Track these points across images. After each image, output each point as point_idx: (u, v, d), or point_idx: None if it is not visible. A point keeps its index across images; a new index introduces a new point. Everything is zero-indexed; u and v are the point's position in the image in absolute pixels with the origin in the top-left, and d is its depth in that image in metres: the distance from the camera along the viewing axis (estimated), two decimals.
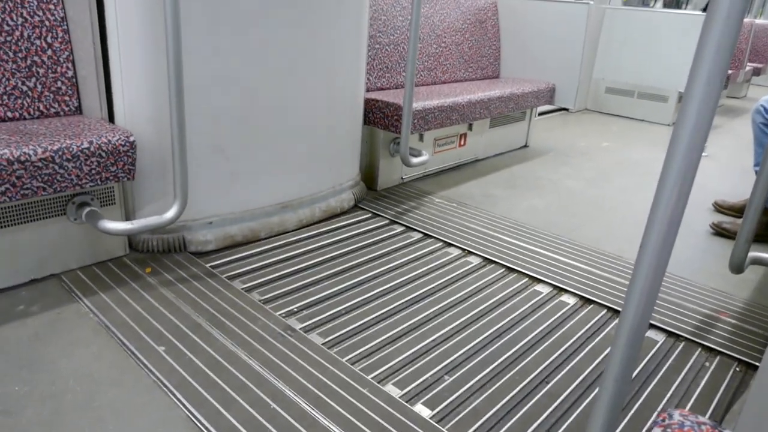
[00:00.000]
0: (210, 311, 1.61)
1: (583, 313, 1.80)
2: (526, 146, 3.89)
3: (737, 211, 2.79)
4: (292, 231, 2.20)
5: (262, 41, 1.90)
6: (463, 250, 2.16)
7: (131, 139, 1.58)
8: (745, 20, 5.89)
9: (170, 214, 1.66)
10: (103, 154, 1.53)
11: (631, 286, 0.78)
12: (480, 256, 2.12)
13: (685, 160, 0.71)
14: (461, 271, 2.00)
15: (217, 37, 1.79)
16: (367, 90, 2.78)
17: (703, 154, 4.02)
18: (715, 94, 0.67)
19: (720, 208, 2.87)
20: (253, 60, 1.91)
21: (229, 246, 2.01)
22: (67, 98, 1.71)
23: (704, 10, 6.64)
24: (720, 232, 2.55)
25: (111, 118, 1.77)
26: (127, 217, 1.83)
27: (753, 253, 1.83)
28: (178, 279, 1.76)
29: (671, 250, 0.77)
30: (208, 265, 1.86)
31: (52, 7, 1.65)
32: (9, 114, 1.62)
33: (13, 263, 1.61)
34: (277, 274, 1.87)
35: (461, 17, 3.43)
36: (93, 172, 1.53)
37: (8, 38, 1.59)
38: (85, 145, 1.51)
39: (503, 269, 2.04)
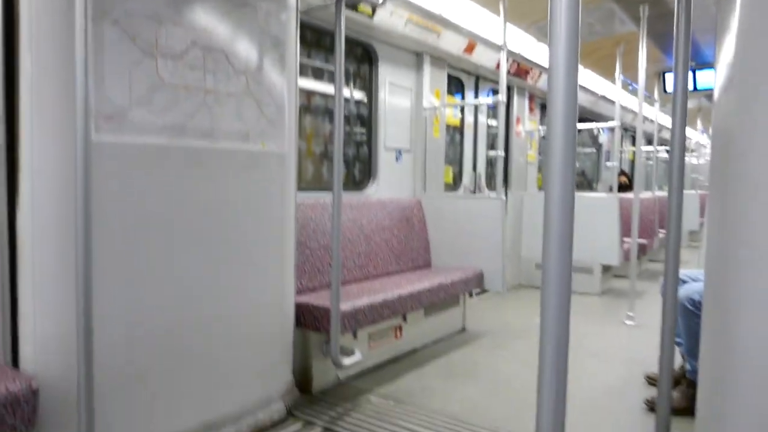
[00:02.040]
0: None
1: None
2: (463, 330, 3.98)
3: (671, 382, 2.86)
4: None
5: (181, 267, 2.01)
6: None
7: (34, 386, 1.54)
8: (649, 195, 6.62)
9: None
10: (1, 408, 1.48)
11: None
12: None
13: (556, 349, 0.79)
14: None
15: (133, 270, 1.87)
16: (300, 292, 2.88)
17: (630, 323, 4.20)
18: (566, 263, 0.78)
19: (653, 380, 2.93)
20: (174, 285, 1.99)
21: None
22: None
23: (610, 190, 7.43)
24: (655, 408, 2.58)
25: (15, 358, 1.74)
26: None
27: None
28: None
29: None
30: None
31: None
32: None
33: None
34: None
35: (387, 216, 3.72)
36: None
37: None
38: None
39: None
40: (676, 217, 1.71)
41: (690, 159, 10.72)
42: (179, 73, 1.95)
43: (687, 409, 2.47)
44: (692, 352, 2.48)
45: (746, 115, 0.90)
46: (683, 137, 1.76)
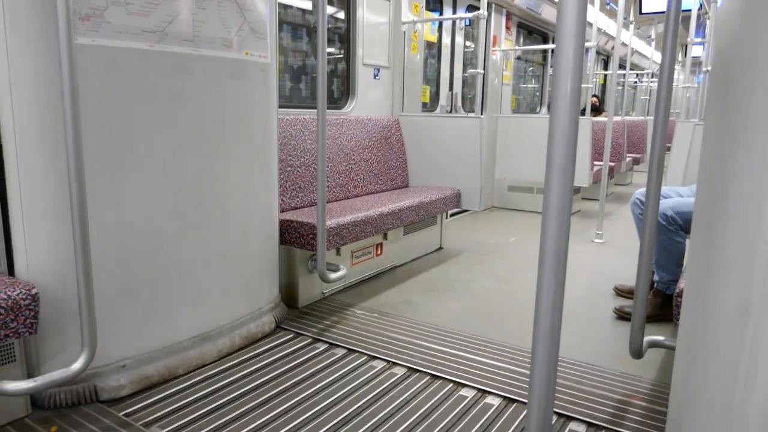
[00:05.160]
0: None
1: (507, 413, 1.85)
2: (440, 248, 4.08)
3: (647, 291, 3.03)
4: (212, 363, 2.14)
5: (169, 177, 1.96)
6: (388, 362, 2.19)
7: (33, 292, 1.54)
8: (618, 119, 6.71)
9: (78, 365, 1.59)
10: (2, 311, 1.47)
11: (531, 377, 0.85)
12: (404, 366, 2.15)
13: (557, 245, 0.83)
14: (386, 385, 2.01)
15: (122, 180, 1.83)
16: (282, 210, 2.87)
17: (598, 240, 4.38)
18: (568, 183, 0.80)
19: (620, 292, 3.10)
20: (162, 198, 1.95)
21: (145, 388, 1.93)
22: None
23: (582, 113, 7.49)
24: (622, 316, 2.74)
25: (11, 270, 1.72)
26: (30, 374, 1.72)
27: (649, 337, 1.99)
28: None
29: (559, 335, 0.87)
30: (121, 414, 1.76)
31: None
32: None
33: None
34: (198, 413, 1.79)
35: (367, 135, 3.68)
36: None
37: None
38: None
39: (428, 377, 2.08)
40: (661, 138, 1.75)
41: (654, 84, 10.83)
42: None
43: (654, 316, 2.64)
44: (661, 263, 2.62)
45: (749, 44, 0.89)
46: (673, 62, 1.77)
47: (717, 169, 1.01)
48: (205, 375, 2.05)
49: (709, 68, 4.95)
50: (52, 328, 1.73)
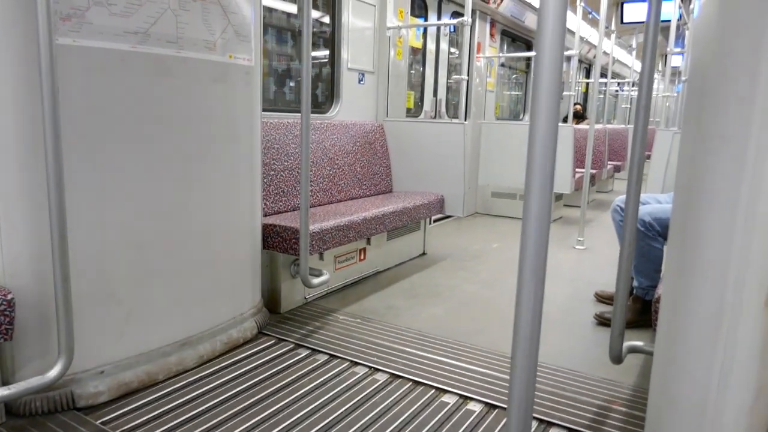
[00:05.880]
0: None
1: (488, 420, 1.85)
2: (424, 254, 4.08)
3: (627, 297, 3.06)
4: (193, 369, 2.12)
5: (151, 179, 1.94)
6: (370, 368, 2.18)
7: (9, 297, 1.51)
8: (599, 126, 6.80)
9: (54, 372, 1.56)
10: None
11: (511, 383, 0.86)
12: (386, 372, 2.15)
13: (536, 251, 0.84)
14: (368, 391, 2.00)
15: (102, 180, 1.80)
16: (265, 215, 2.85)
17: (579, 247, 4.42)
18: (547, 190, 0.81)
19: (601, 298, 3.13)
20: (143, 200, 1.93)
21: (124, 395, 1.89)
22: None
23: (564, 120, 7.58)
24: (603, 322, 2.77)
25: None
26: (5, 381, 1.68)
27: (628, 343, 2.01)
28: None
29: (539, 341, 0.88)
30: (99, 422, 1.72)
31: None
32: None
33: None
34: (178, 420, 1.77)
35: (351, 140, 3.68)
36: None
37: None
38: None
39: (410, 383, 2.07)
40: (641, 146, 1.78)
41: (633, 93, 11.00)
42: None
43: (634, 322, 2.68)
44: (639, 269, 2.66)
45: (724, 54, 0.92)
46: (652, 71, 1.80)
47: (693, 176, 1.02)
48: (186, 381, 2.02)
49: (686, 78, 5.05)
50: (28, 333, 1.69)
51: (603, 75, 8.36)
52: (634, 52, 9.17)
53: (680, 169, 1.18)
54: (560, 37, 0.82)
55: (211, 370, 2.12)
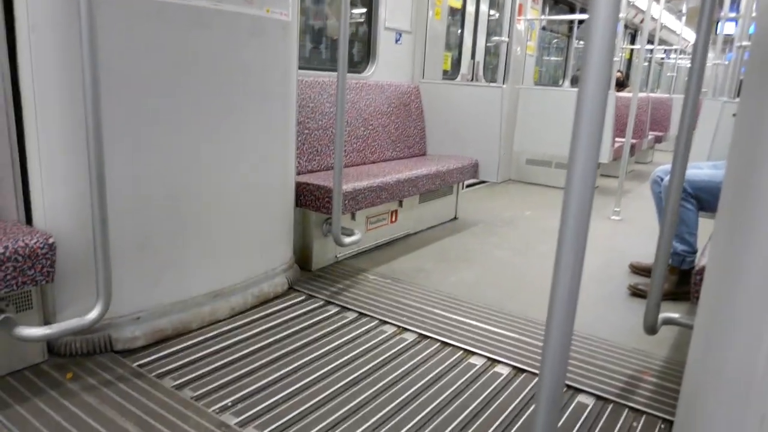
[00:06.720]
0: (137, 414, 1.54)
1: (516, 383, 1.85)
2: (455, 218, 4.05)
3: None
4: (225, 320, 2.16)
5: (186, 131, 1.95)
6: (398, 327, 2.19)
7: (50, 241, 1.55)
8: (643, 95, 6.55)
9: (93, 314, 1.61)
10: (20, 259, 1.49)
11: (544, 348, 0.84)
12: (415, 332, 2.15)
13: (578, 221, 0.81)
14: (397, 349, 2.02)
15: (139, 131, 1.82)
16: (299, 173, 2.85)
17: (615, 218, 4.32)
18: (593, 159, 0.78)
19: (636, 269, 3.06)
20: (179, 152, 1.94)
21: (159, 341, 1.95)
22: None
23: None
24: (637, 293, 2.71)
25: (28, 219, 1.73)
26: (47, 321, 1.75)
27: (664, 314, 1.96)
28: (103, 382, 1.68)
29: (575, 308, 0.86)
30: (135, 365, 1.79)
31: None
32: None
33: None
34: (209, 368, 1.82)
35: (386, 101, 3.62)
36: (8, 277, 1.48)
37: None
38: (0, 250, 1.46)
39: (438, 344, 2.08)
40: (691, 115, 1.70)
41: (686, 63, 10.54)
42: None
43: (671, 294, 2.61)
44: (677, 236, 2.58)
45: None
46: (708, 38, 1.70)
47: (751, 146, 0.97)
48: (218, 331, 2.07)
49: (742, 44, 4.78)
50: (68, 277, 1.74)
51: (649, 41, 8.00)
52: (684, 18, 8.72)
53: (736, 139, 1.12)
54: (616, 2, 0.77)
55: (243, 321, 2.16)
